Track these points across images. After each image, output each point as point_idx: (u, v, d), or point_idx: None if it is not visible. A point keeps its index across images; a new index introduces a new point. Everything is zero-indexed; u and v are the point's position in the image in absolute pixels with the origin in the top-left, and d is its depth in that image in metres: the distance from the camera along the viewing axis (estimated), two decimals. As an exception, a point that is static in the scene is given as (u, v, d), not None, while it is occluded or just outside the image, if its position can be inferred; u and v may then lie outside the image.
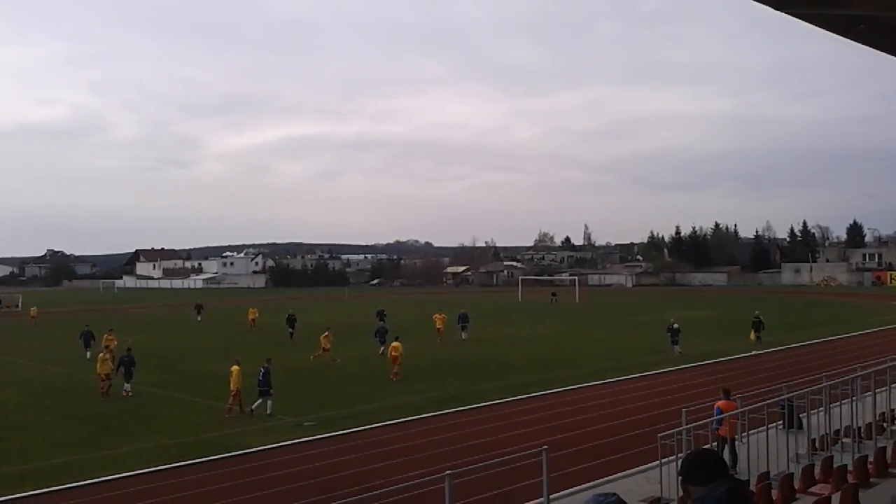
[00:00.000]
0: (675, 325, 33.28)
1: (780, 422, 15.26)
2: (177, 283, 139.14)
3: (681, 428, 12.39)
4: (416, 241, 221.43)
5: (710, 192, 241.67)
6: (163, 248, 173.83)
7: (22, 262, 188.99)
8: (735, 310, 55.45)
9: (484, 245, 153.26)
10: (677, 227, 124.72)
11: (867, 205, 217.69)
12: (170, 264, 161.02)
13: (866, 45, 7.97)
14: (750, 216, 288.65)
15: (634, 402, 22.62)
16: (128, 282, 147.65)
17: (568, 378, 27.11)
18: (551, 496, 11.57)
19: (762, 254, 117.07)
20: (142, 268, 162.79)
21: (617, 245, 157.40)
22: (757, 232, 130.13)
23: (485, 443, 17.97)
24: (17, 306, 76.76)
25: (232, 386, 22.14)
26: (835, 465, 11.26)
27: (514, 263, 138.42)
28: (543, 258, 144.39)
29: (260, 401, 22.02)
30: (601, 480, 14.34)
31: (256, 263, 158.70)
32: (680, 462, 9.59)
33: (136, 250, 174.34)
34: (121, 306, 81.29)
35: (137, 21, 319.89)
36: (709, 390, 21.65)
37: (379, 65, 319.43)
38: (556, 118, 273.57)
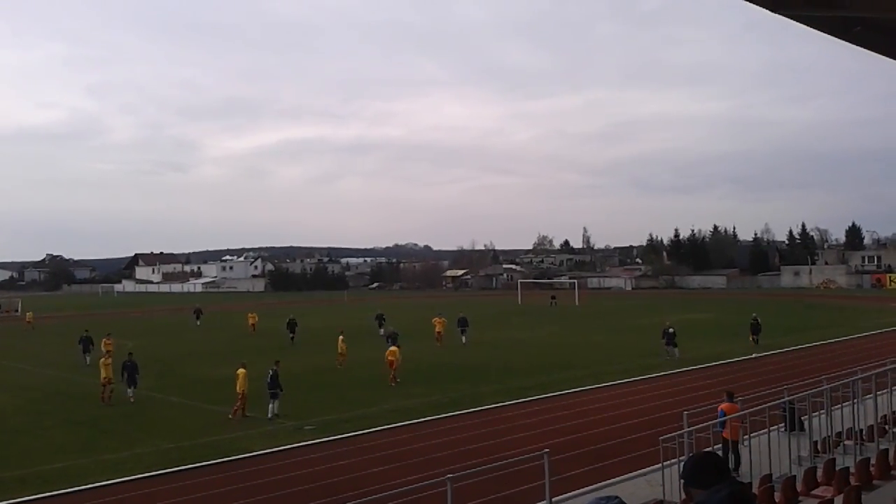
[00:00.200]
0: (671, 330, 33.25)
1: (782, 424, 15.24)
2: (176, 287, 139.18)
3: (682, 431, 12.37)
4: (416, 245, 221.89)
5: (709, 194, 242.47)
6: (162, 253, 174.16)
7: (21, 267, 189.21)
8: (734, 313, 55.45)
9: (483, 248, 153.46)
10: (676, 230, 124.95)
11: (866, 207, 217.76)
12: (169, 268, 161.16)
13: (863, 47, 7.97)
14: (748, 219, 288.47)
15: (635, 405, 22.58)
16: (127, 286, 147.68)
17: (568, 381, 27.07)
18: (553, 499, 11.55)
19: (761, 256, 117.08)
20: (141, 272, 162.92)
21: (616, 248, 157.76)
22: (756, 234, 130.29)
23: (485, 446, 17.92)
24: (17, 311, 76.76)
25: (238, 388, 22.15)
26: (837, 468, 11.24)
27: (514, 267, 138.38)
28: (542, 261, 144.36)
29: (271, 404, 22.00)
30: (603, 483, 14.31)
31: (256, 267, 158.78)
32: (682, 465, 9.57)
33: (136, 254, 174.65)
34: (120, 310, 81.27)
35: (135, 24, 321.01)
36: (709, 393, 21.64)
37: (377, 67, 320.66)
38: (555, 120, 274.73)
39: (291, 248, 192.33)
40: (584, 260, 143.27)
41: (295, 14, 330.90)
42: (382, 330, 43.60)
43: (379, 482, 14.69)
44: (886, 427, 14.80)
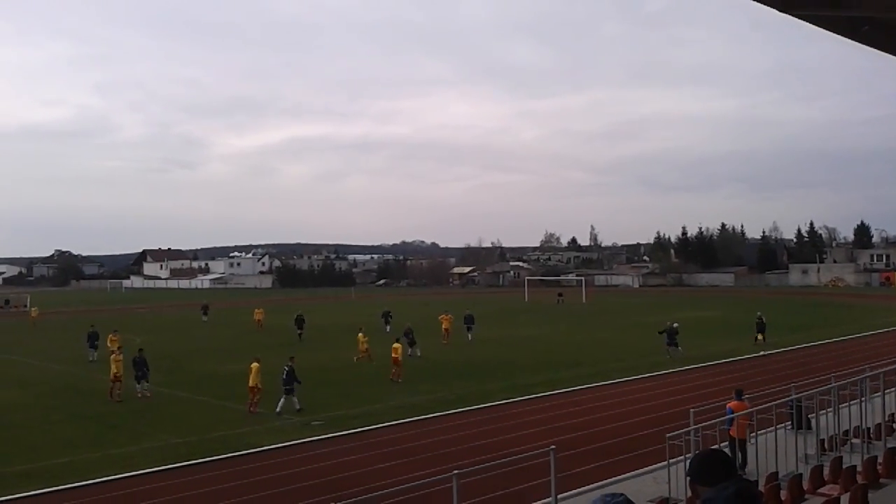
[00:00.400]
0: (675, 325, 33.25)
1: (789, 422, 15.19)
2: (184, 284, 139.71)
3: (689, 428, 12.35)
4: (423, 242, 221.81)
5: (716, 192, 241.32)
6: (170, 249, 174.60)
7: (30, 263, 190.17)
8: (742, 311, 55.25)
9: (490, 245, 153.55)
10: (684, 228, 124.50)
11: (874, 206, 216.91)
12: (177, 264, 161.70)
13: (871, 46, 7.93)
14: (756, 217, 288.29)
15: (642, 403, 22.56)
16: (135, 282, 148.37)
17: (575, 378, 27.06)
18: (559, 496, 11.56)
19: (769, 254, 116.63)
20: (149, 268, 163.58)
21: (623, 245, 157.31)
22: (764, 232, 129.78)
23: (492, 443, 17.94)
24: (25, 306, 77.10)
25: (251, 382, 22.25)
26: (844, 466, 11.22)
27: (521, 264, 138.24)
28: (549, 259, 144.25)
29: (284, 400, 22.07)
30: (609, 480, 14.31)
31: (263, 264, 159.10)
32: (688, 462, 9.56)
33: (144, 250, 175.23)
34: (128, 306, 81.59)
35: (141, 22, 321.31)
36: (716, 391, 21.60)
37: (382, 66, 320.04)
38: (560, 119, 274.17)
39: (299, 244, 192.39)
40: (592, 257, 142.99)
41: (299, 13, 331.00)
42: (388, 328, 43.64)
43: (386, 478, 14.72)
44: (894, 425, 14.75)
